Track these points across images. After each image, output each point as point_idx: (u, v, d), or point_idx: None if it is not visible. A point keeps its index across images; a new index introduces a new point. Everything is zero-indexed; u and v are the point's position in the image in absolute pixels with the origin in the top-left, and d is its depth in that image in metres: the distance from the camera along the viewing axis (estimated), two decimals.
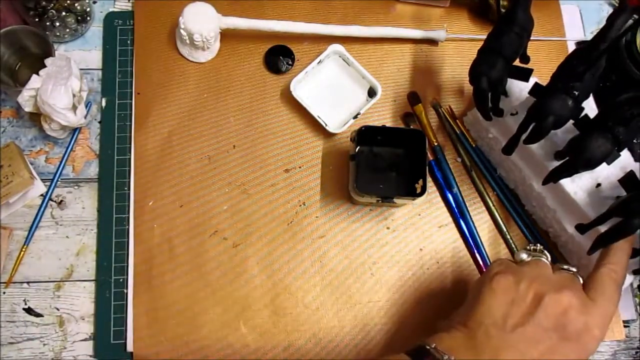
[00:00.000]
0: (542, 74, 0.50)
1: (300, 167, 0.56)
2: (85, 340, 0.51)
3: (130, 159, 0.55)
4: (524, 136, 0.47)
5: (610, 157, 0.44)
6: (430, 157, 0.57)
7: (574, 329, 0.38)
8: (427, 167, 0.51)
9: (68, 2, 0.56)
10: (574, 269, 0.43)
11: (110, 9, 0.60)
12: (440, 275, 0.55)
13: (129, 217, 0.54)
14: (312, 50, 0.59)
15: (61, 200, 0.54)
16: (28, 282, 0.52)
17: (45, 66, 0.51)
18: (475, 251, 0.55)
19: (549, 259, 0.44)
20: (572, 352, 0.38)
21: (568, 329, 0.38)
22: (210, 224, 0.54)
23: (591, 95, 0.50)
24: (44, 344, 0.51)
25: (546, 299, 0.39)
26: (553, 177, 0.47)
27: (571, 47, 0.63)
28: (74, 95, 0.51)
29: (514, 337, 0.38)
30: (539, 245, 0.45)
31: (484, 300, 0.40)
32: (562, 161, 0.46)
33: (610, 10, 0.66)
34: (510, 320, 0.39)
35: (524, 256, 0.44)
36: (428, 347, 0.38)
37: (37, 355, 0.50)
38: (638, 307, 0.56)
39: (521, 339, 0.38)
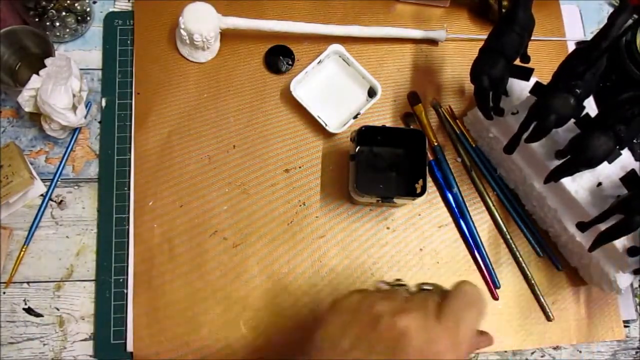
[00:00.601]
0: (542, 74, 0.50)
1: (300, 167, 0.56)
2: (85, 340, 0.51)
3: (130, 159, 0.55)
4: (525, 135, 0.46)
5: (611, 156, 0.44)
6: (430, 157, 0.57)
7: (415, 352, 0.34)
8: (427, 167, 0.51)
9: (68, 2, 0.56)
10: (430, 287, 0.40)
11: (110, 9, 0.60)
12: (440, 275, 0.55)
13: (129, 217, 0.53)
14: (312, 50, 0.59)
15: (61, 200, 0.54)
16: (28, 282, 0.52)
17: (45, 66, 0.51)
18: (475, 251, 0.55)
19: (410, 291, 0.40)
20: None
21: (408, 352, 0.34)
22: (210, 224, 0.54)
23: (591, 95, 0.50)
24: (44, 344, 0.51)
25: (382, 321, 0.35)
26: (554, 176, 0.47)
27: (571, 47, 0.63)
28: (74, 95, 0.51)
29: (348, 358, 0.35)
30: (402, 280, 0.42)
31: (325, 321, 0.38)
32: (563, 160, 0.46)
33: (611, 10, 0.66)
34: (345, 341, 0.35)
35: (382, 285, 0.41)
36: None
37: (37, 355, 0.50)
38: (638, 307, 0.56)
39: (339, 343, 0.35)
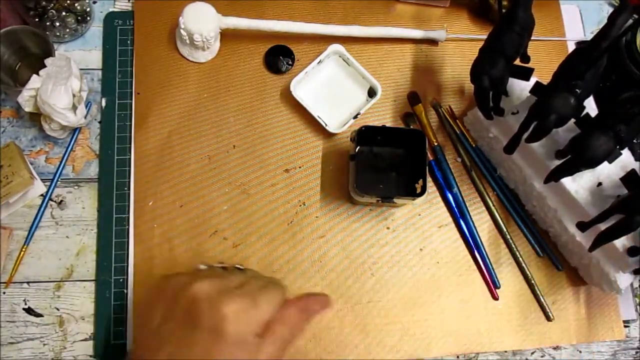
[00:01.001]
0: (542, 74, 0.50)
1: (300, 167, 0.56)
2: (85, 340, 0.51)
3: (130, 159, 0.55)
4: (525, 135, 0.46)
5: (611, 156, 0.44)
6: (430, 157, 0.57)
7: (204, 316, 0.35)
8: (427, 167, 0.51)
9: (68, 2, 0.56)
10: (243, 268, 0.41)
11: (110, 9, 0.60)
12: (441, 275, 0.55)
13: (129, 217, 0.53)
14: (312, 50, 0.59)
15: (61, 200, 0.54)
16: (28, 282, 0.52)
17: (45, 66, 0.51)
18: (475, 251, 0.55)
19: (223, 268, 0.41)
20: (208, 344, 0.35)
21: (198, 315, 0.35)
22: (210, 224, 0.54)
23: (591, 95, 0.50)
24: (44, 344, 0.51)
25: (180, 291, 0.37)
26: (554, 176, 0.47)
27: (571, 47, 0.63)
28: (74, 95, 0.51)
29: (163, 334, 0.36)
30: (225, 264, 0.43)
31: (141, 313, 0.39)
32: (563, 160, 0.46)
33: (611, 10, 0.66)
34: (155, 320, 0.37)
35: (199, 266, 0.42)
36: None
37: (37, 355, 0.50)
38: (638, 307, 0.56)
39: (166, 335, 0.36)
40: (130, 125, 0.56)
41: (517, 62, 0.48)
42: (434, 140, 0.57)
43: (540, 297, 0.54)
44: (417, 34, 0.60)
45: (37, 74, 0.51)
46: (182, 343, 0.36)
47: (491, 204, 0.56)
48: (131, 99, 0.57)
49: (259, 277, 0.40)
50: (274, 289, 0.38)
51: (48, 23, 0.56)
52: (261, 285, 0.38)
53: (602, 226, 0.45)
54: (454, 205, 0.56)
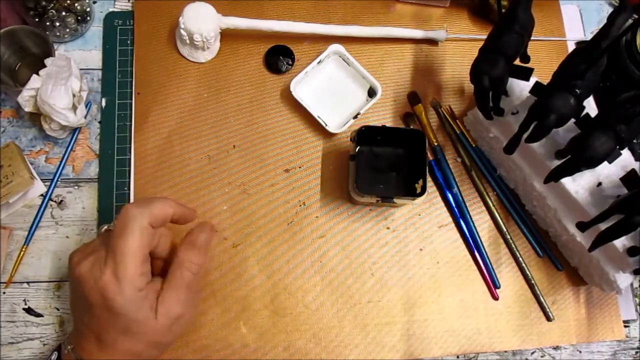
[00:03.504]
0: (542, 74, 0.50)
1: (300, 167, 0.56)
2: None
3: (130, 159, 0.55)
4: (525, 135, 0.47)
5: (611, 156, 0.44)
6: (430, 157, 0.57)
7: (90, 293, 0.39)
8: (427, 167, 0.51)
9: (68, 2, 0.56)
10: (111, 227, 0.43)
11: (110, 9, 0.60)
12: (441, 275, 0.55)
13: None
14: (312, 50, 0.59)
15: (61, 200, 0.54)
16: (28, 282, 0.52)
17: (45, 66, 0.51)
18: (475, 251, 0.55)
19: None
20: (104, 320, 0.39)
21: (87, 293, 0.39)
22: None
23: (591, 95, 0.50)
24: (44, 344, 0.51)
25: (71, 275, 0.41)
26: (554, 176, 0.47)
27: (571, 47, 0.63)
28: (74, 95, 0.51)
29: (74, 309, 0.43)
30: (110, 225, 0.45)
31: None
32: (563, 160, 0.46)
33: (611, 10, 0.66)
34: (75, 303, 0.42)
35: (105, 227, 0.44)
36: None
37: (37, 355, 0.50)
38: (638, 307, 0.56)
39: (75, 309, 0.42)
40: (130, 125, 0.56)
41: (517, 62, 0.48)
42: (434, 140, 0.57)
43: (540, 297, 0.54)
44: (417, 34, 0.60)
45: (37, 74, 0.51)
46: (92, 325, 0.40)
47: (491, 204, 0.56)
48: (131, 99, 0.57)
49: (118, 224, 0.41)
50: (130, 232, 0.39)
51: (48, 23, 0.56)
52: (117, 234, 0.40)
53: (602, 226, 0.45)
54: (454, 205, 0.56)
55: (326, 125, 0.55)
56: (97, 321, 0.40)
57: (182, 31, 0.54)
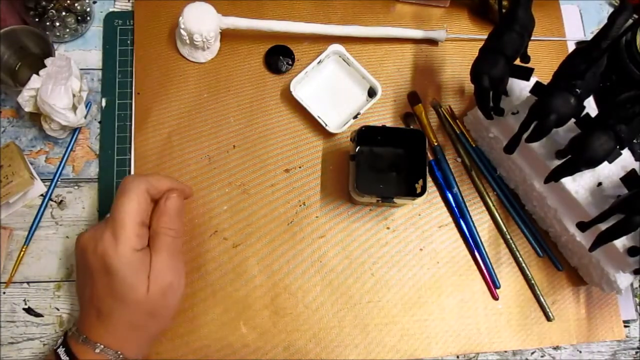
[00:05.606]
0: (542, 74, 0.50)
1: (300, 167, 0.56)
2: None
3: (130, 159, 0.55)
4: (525, 135, 0.47)
5: (611, 156, 0.44)
6: (430, 157, 0.57)
7: (91, 258, 0.41)
8: (427, 167, 0.51)
9: (68, 2, 0.56)
10: None
11: (110, 9, 0.60)
12: (441, 275, 0.55)
13: None
14: (312, 50, 0.59)
15: (61, 200, 0.54)
16: (28, 282, 0.52)
17: (45, 66, 0.51)
18: (475, 251, 0.55)
19: None
20: (103, 286, 0.41)
21: (87, 259, 0.42)
22: (210, 224, 0.54)
23: (591, 95, 0.50)
24: (44, 344, 0.51)
25: (76, 249, 0.44)
26: (554, 176, 0.47)
27: (571, 47, 0.63)
28: (74, 95, 0.51)
29: (79, 290, 0.45)
30: None
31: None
32: (563, 160, 0.46)
33: (611, 10, 0.66)
34: (80, 280, 0.45)
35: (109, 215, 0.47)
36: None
37: (37, 355, 0.50)
38: (638, 307, 0.56)
39: (80, 289, 0.44)
40: (130, 125, 0.56)
41: (517, 62, 0.48)
42: (434, 140, 0.57)
43: (540, 297, 0.54)
44: (417, 34, 0.60)
45: (37, 74, 0.51)
46: (93, 298, 0.42)
47: (491, 204, 0.56)
48: (131, 99, 0.57)
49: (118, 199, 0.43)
50: (128, 196, 0.42)
51: (48, 23, 0.56)
52: (117, 200, 0.42)
53: (602, 226, 0.45)
54: (454, 205, 0.56)
55: (326, 125, 0.55)
56: (96, 291, 0.41)
57: (182, 31, 0.54)
